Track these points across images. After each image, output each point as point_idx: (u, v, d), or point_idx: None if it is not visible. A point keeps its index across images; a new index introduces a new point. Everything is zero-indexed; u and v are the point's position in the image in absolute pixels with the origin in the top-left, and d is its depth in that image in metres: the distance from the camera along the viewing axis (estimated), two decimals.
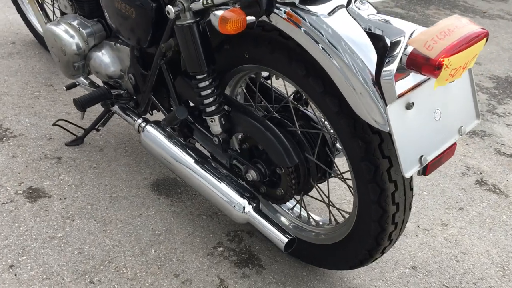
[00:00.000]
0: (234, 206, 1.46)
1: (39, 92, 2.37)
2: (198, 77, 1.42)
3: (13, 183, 1.83)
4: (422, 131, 1.10)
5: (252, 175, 1.49)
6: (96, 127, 2.06)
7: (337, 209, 1.58)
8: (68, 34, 1.85)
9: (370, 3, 1.20)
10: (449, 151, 1.17)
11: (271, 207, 1.71)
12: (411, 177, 1.30)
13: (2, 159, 1.93)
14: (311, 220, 1.65)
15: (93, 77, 2.04)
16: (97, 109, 2.17)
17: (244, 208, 1.46)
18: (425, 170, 1.14)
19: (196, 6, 1.30)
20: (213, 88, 1.44)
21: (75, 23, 1.86)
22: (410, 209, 1.35)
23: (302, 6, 1.18)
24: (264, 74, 1.63)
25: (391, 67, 1.04)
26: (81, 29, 1.84)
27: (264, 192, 1.54)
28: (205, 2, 1.26)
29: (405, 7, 4.45)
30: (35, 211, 1.73)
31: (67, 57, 1.88)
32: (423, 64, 0.97)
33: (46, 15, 2.32)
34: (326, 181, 1.57)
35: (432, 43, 0.96)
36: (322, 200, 1.62)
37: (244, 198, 1.46)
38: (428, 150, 1.11)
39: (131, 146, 2.11)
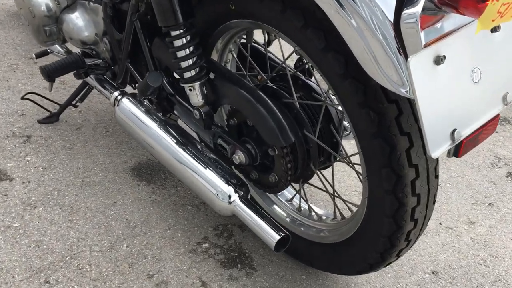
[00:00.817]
0: (217, 194, 1.19)
1: (16, 64, 2.13)
2: (173, 33, 1.15)
3: None
4: (455, 96, 0.81)
5: (240, 157, 1.22)
6: (73, 102, 1.81)
7: (344, 200, 1.30)
8: None
9: None
10: (490, 126, 0.89)
11: (266, 197, 1.44)
12: (437, 161, 1.02)
13: None
14: (313, 213, 1.37)
15: (69, 45, 1.79)
16: (75, 82, 1.92)
17: (229, 197, 1.19)
18: (458, 150, 0.86)
19: None
20: (191, 48, 1.17)
21: None
22: (434, 202, 1.07)
23: None
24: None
25: (416, 8, 0.75)
26: None
27: (255, 179, 1.27)
28: None
29: None
30: None
31: (36, 20, 1.63)
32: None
33: None
34: (331, 167, 1.29)
35: None
36: (325, 190, 1.34)
37: (230, 185, 1.20)
38: (463, 122, 0.83)
39: (113, 125, 1.86)
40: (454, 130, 0.82)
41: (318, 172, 1.27)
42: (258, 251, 1.43)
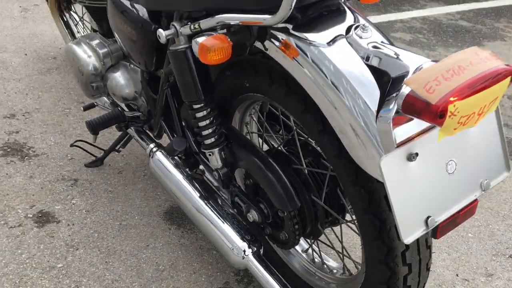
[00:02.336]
0: (232, 249, 1.32)
1: (69, 109, 2.35)
2: (195, 106, 1.29)
3: (25, 206, 1.79)
4: (429, 187, 0.90)
5: (253, 215, 1.34)
6: (116, 148, 1.99)
7: (350, 258, 1.39)
8: (85, 54, 1.79)
9: (375, 26, 1.03)
10: (468, 210, 0.97)
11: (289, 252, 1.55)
12: (428, 233, 1.10)
13: (20, 180, 1.91)
14: (325, 266, 1.47)
15: None
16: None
17: (244, 251, 1.31)
18: (435, 233, 0.94)
19: (185, 31, 1.18)
20: (211, 119, 1.31)
21: (93, 42, 1.80)
22: (427, 269, 1.14)
23: (299, 34, 1.02)
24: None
25: (389, 111, 0.85)
26: (98, 49, 1.78)
27: (269, 234, 1.38)
28: (192, 27, 1.14)
29: (472, 19, 4.10)
30: (41, 237, 1.67)
31: (84, 77, 1.82)
32: (422, 110, 0.78)
33: (71, 33, 2.30)
34: (340, 226, 1.39)
35: (435, 84, 0.77)
36: (332, 246, 1.43)
37: (244, 241, 1.32)
38: (438, 210, 0.92)
39: None
40: (428, 217, 0.90)
41: (324, 232, 1.36)
42: None
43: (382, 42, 0.98)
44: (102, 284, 1.53)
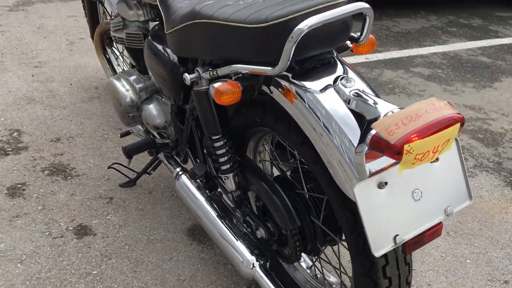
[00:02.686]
0: (242, 262, 1.52)
1: (108, 135, 2.63)
2: (213, 137, 1.52)
3: (66, 220, 2.04)
4: (396, 210, 1.09)
5: (261, 233, 1.55)
6: (147, 171, 2.23)
7: (345, 273, 1.57)
8: (124, 87, 2.06)
9: (360, 76, 1.23)
10: (434, 231, 1.15)
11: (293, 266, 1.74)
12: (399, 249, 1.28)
13: (63, 196, 2.17)
14: (326, 282, 1.65)
15: None
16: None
17: (252, 264, 1.51)
18: (404, 249, 1.13)
19: (206, 76, 1.41)
20: (227, 148, 1.53)
21: (131, 78, 2.06)
22: (407, 283, 1.31)
23: (297, 82, 1.24)
24: None
25: (362, 147, 1.06)
26: (135, 84, 2.04)
27: (275, 250, 1.58)
28: (211, 74, 1.37)
29: (493, 55, 4.24)
30: (79, 247, 1.91)
31: (122, 108, 2.08)
32: (385, 148, 0.98)
33: (113, 69, 2.58)
34: (337, 245, 1.57)
35: (395, 128, 0.97)
36: (330, 263, 1.62)
37: (253, 255, 1.52)
38: (405, 229, 1.10)
39: None
40: (396, 235, 1.09)
41: (322, 250, 1.55)
42: None
43: (363, 90, 1.19)
44: None
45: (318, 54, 1.26)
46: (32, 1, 4.30)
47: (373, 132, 1.01)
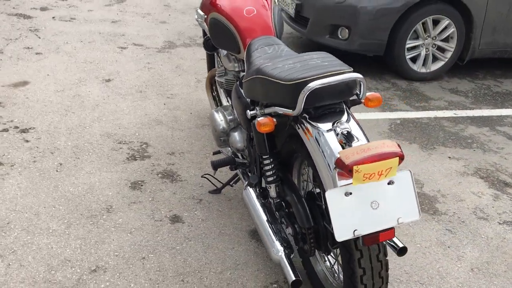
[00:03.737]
0: (273, 249, 2.09)
1: (209, 154, 3.37)
2: (263, 157, 2.14)
3: (166, 210, 2.78)
4: (358, 213, 1.60)
5: (289, 230, 2.11)
6: (230, 183, 2.90)
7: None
8: (219, 118, 2.77)
9: (356, 122, 1.77)
10: (388, 233, 1.63)
11: (316, 262, 2.26)
12: (381, 248, 1.75)
13: (167, 193, 2.92)
14: (338, 276, 2.15)
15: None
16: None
17: (279, 252, 2.08)
18: (363, 242, 1.63)
19: (259, 113, 2.05)
20: (272, 166, 2.14)
21: (225, 112, 2.77)
22: (380, 277, 1.78)
23: (312, 122, 1.82)
24: None
25: (335, 168, 1.61)
26: (227, 116, 2.74)
27: (300, 246, 2.13)
28: (261, 111, 2.01)
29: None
30: (171, 230, 2.63)
31: (217, 133, 2.80)
32: (342, 167, 1.52)
33: (217, 103, 3.34)
34: None
35: (351, 155, 1.51)
36: (335, 258, 2.12)
37: (281, 246, 2.09)
38: (362, 227, 1.60)
39: None
40: (355, 230, 1.60)
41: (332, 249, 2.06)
42: None
43: (351, 131, 1.73)
44: (199, 263, 2.41)
45: (330, 104, 1.83)
46: (176, 45, 5.33)
47: (337, 155, 1.55)
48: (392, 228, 1.65)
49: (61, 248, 2.43)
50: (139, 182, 3.01)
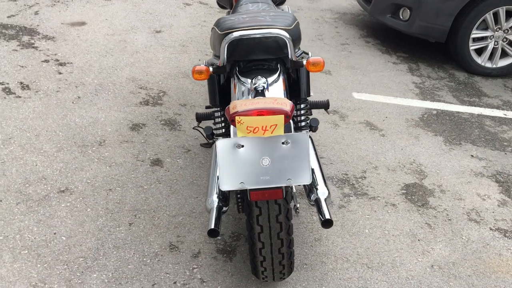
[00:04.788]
0: (209, 198, 2.14)
1: None
2: (214, 109, 2.17)
3: (152, 153, 2.91)
4: (247, 167, 1.59)
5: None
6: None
7: None
8: None
9: (284, 74, 1.75)
10: (275, 192, 1.60)
11: None
12: (282, 210, 1.73)
13: (160, 139, 3.05)
14: None
15: None
16: None
17: (213, 203, 2.12)
18: (249, 195, 1.62)
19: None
20: (220, 119, 2.17)
21: None
22: (279, 238, 1.77)
23: (239, 75, 1.82)
24: None
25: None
26: None
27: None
28: (207, 63, 2.04)
29: None
30: (147, 170, 2.76)
31: None
32: (228, 117, 1.52)
33: None
34: None
35: (238, 106, 1.50)
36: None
37: (217, 198, 2.13)
38: (250, 181, 1.59)
39: None
40: (242, 182, 1.60)
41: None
42: None
43: (265, 89, 1.71)
44: (158, 204, 2.52)
45: (262, 61, 1.82)
46: None
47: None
48: (280, 188, 1.63)
49: (43, 167, 2.67)
50: (140, 124, 3.17)
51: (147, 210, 2.47)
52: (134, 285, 2.06)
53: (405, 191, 2.86)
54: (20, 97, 3.26)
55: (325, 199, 2.09)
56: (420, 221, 2.64)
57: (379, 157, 3.16)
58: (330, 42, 5.02)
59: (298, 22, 2.02)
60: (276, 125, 1.51)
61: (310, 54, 3.07)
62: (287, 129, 1.70)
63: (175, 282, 2.09)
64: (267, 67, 1.82)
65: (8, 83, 3.38)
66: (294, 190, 2.01)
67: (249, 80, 1.77)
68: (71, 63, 3.78)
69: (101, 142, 2.94)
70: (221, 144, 1.60)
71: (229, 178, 1.61)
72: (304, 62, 1.87)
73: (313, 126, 2.41)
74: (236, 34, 1.72)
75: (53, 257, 2.14)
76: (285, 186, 1.64)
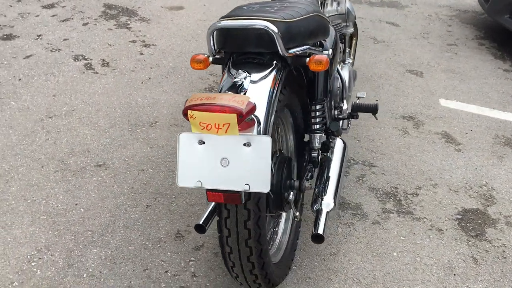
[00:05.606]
0: None
1: None
2: None
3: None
4: (206, 165, 1.47)
5: None
6: None
7: None
8: None
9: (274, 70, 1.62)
10: (232, 196, 1.47)
11: None
12: (252, 216, 1.60)
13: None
14: None
15: None
16: None
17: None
18: (207, 197, 1.51)
19: None
20: None
21: None
22: (247, 246, 1.64)
23: (231, 67, 1.71)
24: None
25: None
26: None
27: None
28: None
29: None
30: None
31: None
32: (183, 109, 1.42)
33: None
34: None
35: (193, 99, 1.40)
36: None
37: None
38: (207, 181, 1.47)
39: None
40: (199, 181, 1.49)
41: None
42: None
43: (245, 84, 1.57)
44: (182, 190, 2.52)
45: (254, 54, 1.68)
46: None
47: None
48: (237, 193, 1.50)
49: (91, 140, 2.82)
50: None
51: (168, 195, 2.47)
52: (127, 266, 2.08)
53: (460, 217, 2.51)
54: (97, 73, 3.48)
55: (328, 212, 1.91)
56: (465, 253, 2.29)
57: (443, 175, 2.81)
58: (435, 41, 4.58)
59: (315, 15, 1.84)
60: (229, 124, 1.39)
61: (350, 59, 2.80)
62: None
63: (166, 271, 2.07)
64: (258, 61, 1.69)
65: (91, 59, 3.63)
66: (291, 197, 1.86)
67: (233, 71, 1.66)
68: (155, 45, 3.93)
69: (152, 123, 3.01)
70: (184, 137, 1.52)
71: (187, 175, 1.52)
72: (307, 59, 1.70)
73: (333, 131, 2.21)
74: (218, 24, 1.61)
75: (65, 227, 2.25)
76: (257, 192, 1.52)
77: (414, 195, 2.64)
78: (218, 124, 1.39)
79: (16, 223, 2.25)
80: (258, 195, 1.61)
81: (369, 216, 2.46)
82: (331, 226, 2.37)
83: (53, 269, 2.04)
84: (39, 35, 3.86)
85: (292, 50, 1.68)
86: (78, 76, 3.42)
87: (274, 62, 1.69)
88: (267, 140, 1.45)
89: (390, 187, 2.67)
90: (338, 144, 2.27)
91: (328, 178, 2.05)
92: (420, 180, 2.75)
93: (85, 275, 2.03)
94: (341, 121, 2.55)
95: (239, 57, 1.71)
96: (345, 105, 2.49)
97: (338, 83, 2.48)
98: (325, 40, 2.05)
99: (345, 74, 2.55)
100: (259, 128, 1.51)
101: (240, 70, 1.63)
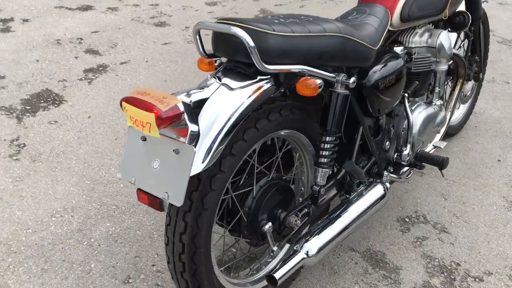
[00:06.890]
0: None
1: None
2: None
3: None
4: (141, 163, 1.41)
5: None
6: None
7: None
8: None
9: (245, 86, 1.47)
10: (153, 201, 1.38)
11: None
12: (190, 231, 1.48)
13: None
14: None
15: None
16: None
17: None
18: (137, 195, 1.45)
19: None
20: None
21: None
22: (180, 260, 1.53)
23: (221, 72, 1.60)
24: None
25: None
26: None
27: None
28: None
29: None
30: None
31: None
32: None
33: None
34: None
35: (135, 94, 1.35)
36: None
37: None
38: (139, 180, 1.40)
39: None
40: (133, 177, 1.44)
41: None
42: None
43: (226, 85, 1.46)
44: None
45: (240, 62, 1.55)
46: None
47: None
48: (157, 199, 1.41)
49: None
50: None
51: None
52: (123, 248, 2.12)
53: None
54: None
55: (303, 259, 1.69)
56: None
57: None
58: None
59: (335, 36, 1.61)
60: (150, 123, 1.31)
61: (439, 101, 2.27)
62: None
63: (153, 265, 2.06)
64: (240, 71, 1.55)
65: None
66: (267, 227, 1.69)
67: (219, 77, 1.55)
68: None
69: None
70: (132, 132, 1.49)
71: (127, 169, 1.47)
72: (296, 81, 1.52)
73: (346, 171, 1.92)
74: (202, 24, 1.52)
75: (98, 196, 2.40)
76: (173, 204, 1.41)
77: (478, 280, 2.14)
78: (142, 122, 1.33)
79: (65, 180, 2.48)
80: (199, 210, 1.49)
81: (402, 286, 2.08)
82: (348, 278, 2.07)
83: (64, 229, 2.20)
84: (187, 27, 4.17)
85: (273, 67, 1.50)
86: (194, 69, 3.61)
87: (259, 77, 1.55)
88: (190, 151, 1.34)
89: (450, 261, 2.22)
90: (374, 190, 1.98)
91: (331, 223, 1.81)
92: (496, 266, 2.22)
93: (85, 243, 2.14)
94: (404, 168, 2.21)
95: (229, 63, 1.61)
96: (407, 150, 2.15)
97: (405, 124, 2.15)
98: (366, 67, 1.81)
99: (417, 115, 2.20)
100: (197, 138, 1.39)
101: (209, 76, 1.53)
